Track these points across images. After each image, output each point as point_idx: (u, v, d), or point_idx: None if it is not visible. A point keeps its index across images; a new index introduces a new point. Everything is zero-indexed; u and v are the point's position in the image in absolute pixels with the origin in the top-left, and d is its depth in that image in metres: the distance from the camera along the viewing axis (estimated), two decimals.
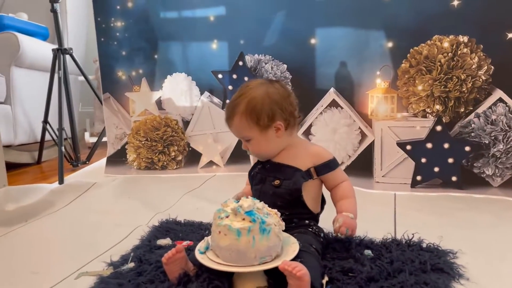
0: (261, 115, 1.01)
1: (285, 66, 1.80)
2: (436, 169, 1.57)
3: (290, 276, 0.80)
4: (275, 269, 0.87)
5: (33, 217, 1.47)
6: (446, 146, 1.54)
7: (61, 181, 1.86)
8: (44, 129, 2.32)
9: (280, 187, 1.03)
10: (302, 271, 0.79)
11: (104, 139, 2.22)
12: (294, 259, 0.86)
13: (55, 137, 2.21)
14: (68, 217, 1.49)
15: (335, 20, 1.69)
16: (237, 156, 1.96)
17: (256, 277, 0.89)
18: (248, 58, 1.84)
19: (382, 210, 1.42)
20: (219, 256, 0.89)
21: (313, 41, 1.74)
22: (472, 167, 1.55)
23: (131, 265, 1.04)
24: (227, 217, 0.88)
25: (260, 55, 1.82)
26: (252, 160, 1.16)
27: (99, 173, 2.07)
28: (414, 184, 1.61)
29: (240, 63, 1.85)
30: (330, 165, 1.06)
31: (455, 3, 1.51)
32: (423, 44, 1.55)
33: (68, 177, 2.00)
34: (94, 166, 2.27)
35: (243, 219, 0.87)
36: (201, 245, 0.94)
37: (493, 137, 1.50)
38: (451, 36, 1.52)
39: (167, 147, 2.04)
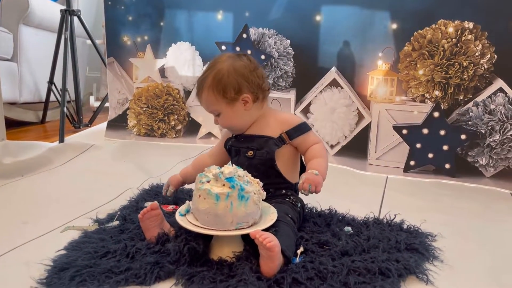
0: (227, 87, 1.01)
1: (289, 41, 1.78)
2: (430, 155, 1.57)
3: (260, 246, 0.81)
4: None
5: (29, 172, 1.51)
6: (442, 132, 1.54)
7: (61, 140, 1.89)
8: (49, 90, 2.35)
9: (254, 158, 1.04)
10: (272, 242, 0.80)
11: (108, 104, 2.24)
12: (269, 228, 0.88)
13: (59, 97, 2.23)
14: (63, 174, 1.53)
15: None
16: None
17: (233, 242, 0.92)
18: (252, 31, 1.83)
19: (371, 191, 1.43)
20: (198, 219, 0.91)
21: (318, 18, 1.72)
22: (467, 155, 1.54)
23: (115, 223, 1.07)
24: (208, 181, 0.90)
25: (264, 29, 1.81)
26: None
27: (99, 136, 2.10)
28: (407, 169, 1.61)
29: (244, 35, 1.83)
30: (301, 128, 1.05)
31: None
32: (427, 28, 1.53)
33: (68, 137, 2.03)
34: (95, 129, 2.30)
35: (223, 185, 0.88)
36: (182, 208, 0.96)
37: (490, 127, 1.49)
38: (457, 22, 1.49)
39: (168, 115, 2.05)
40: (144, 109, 2.06)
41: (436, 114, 1.54)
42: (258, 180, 0.94)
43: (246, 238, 0.92)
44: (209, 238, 0.92)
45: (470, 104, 1.51)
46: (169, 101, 2.04)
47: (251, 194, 0.89)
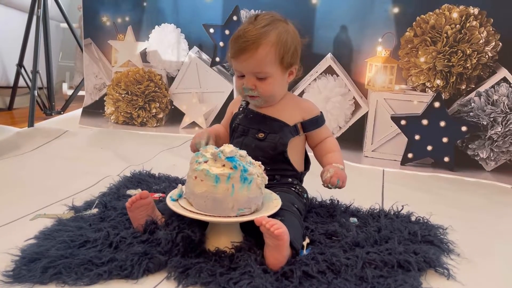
0: (288, 53, 0.90)
1: None
2: (429, 148, 1.50)
3: (267, 234, 0.72)
4: (253, 226, 0.79)
5: None
6: (442, 124, 1.47)
7: (30, 125, 1.73)
8: (18, 73, 2.17)
9: (264, 140, 0.94)
10: (281, 229, 0.71)
11: (81, 93, 2.08)
12: (274, 217, 0.78)
13: (28, 82, 2.06)
14: (33, 161, 1.39)
15: None
16: (222, 118, 1.85)
17: (232, 231, 0.81)
18: (243, 13, 1.72)
19: (369, 184, 1.36)
20: (192, 204, 0.80)
21: (314, 0, 1.63)
22: (467, 148, 1.49)
23: (94, 210, 0.96)
24: (205, 162, 0.79)
25: (257, 11, 1.70)
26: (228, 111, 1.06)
27: (73, 123, 1.95)
28: (405, 161, 1.54)
29: (235, 18, 1.73)
30: (318, 121, 0.98)
31: None
32: (430, 13, 1.47)
33: (39, 123, 1.87)
34: (68, 115, 2.14)
35: (223, 165, 0.78)
36: (173, 192, 0.85)
37: (492, 119, 1.43)
38: (461, 7, 1.43)
39: (148, 103, 1.92)
40: (123, 95, 1.92)
41: (436, 104, 1.47)
42: (260, 162, 0.84)
43: (245, 227, 0.82)
44: (204, 226, 0.81)
45: (472, 95, 1.46)
46: (151, 88, 1.90)
47: (254, 177, 0.79)
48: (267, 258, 0.73)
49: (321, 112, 1.00)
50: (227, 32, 1.76)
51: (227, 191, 0.76)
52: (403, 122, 1.52)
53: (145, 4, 1.89)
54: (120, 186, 1.12)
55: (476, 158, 1.48)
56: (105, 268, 0.70)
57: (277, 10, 1.63)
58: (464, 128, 1.46)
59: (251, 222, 0.77)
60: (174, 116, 1.93)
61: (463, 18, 1.43)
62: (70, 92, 2.59)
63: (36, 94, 1.90)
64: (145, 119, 1.93)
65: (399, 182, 1.40)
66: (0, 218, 0.91)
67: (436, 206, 1.16)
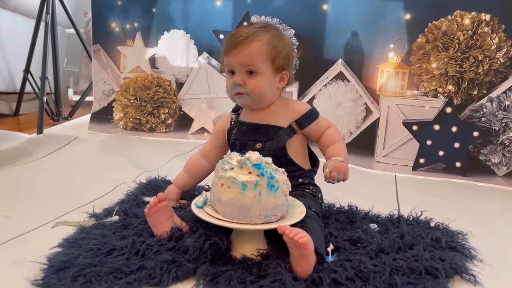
0: (280, 55, 0.93)
1: (293, 31, 1.69)
2: (441, 153, 1.51)
3: (291, 243, 0.71)
4: (278, 234, 0.79)
5: (5, 164, 1.34)
6: (454, 129, 1.48)
7: (39, 132, 1.73)
8: (24, 79, 2.16)
9: (263, 150, 0.93)
10: (305, 238, 0.70)
11: (88, 98, 2.08)
12: (294, 225, 0.77)
13: (36, 88, 2.06)
14: (46, 167, 1.38)
15: None
16: None
17: (257, 238, 0.81)
18: (253, 19, 1.72)
19: (383, 189, 1.36)
20: (218, 211, 0.80)
21: (325, 7, 1.64)
22: (479, 153, 1.49)
23: (115, 218, 0.96)
24: (231, 169, 0.79)
25: (267, 17, 1.71)
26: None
27: (81, 129, 1.94)
28: (416, 167, 1.54)
29: (245, 24, 1.73)
30: (311, 115, 0.98)
31: None
32: (442, 19, 1.47)
33: (47, 130, 1.86)
34: (76, 122, 2.13)
35: (250, 172, 0.78)
36: (198, 199, 0.85)
37: (504, 124, 1.44)
38: (473, 13, 1.44)
39: (157, 109, 1.92)
40: (131, 101, 1.92)
41: (448, 110, 1.48)
42: (283, 169, 0.84)
43: (268, 234, 0.82)
44: (229, 232, 0.81)
45: (484, 100, 1.46)
46: (160, 94, 1.90)
47: (280, 184, 0.79)
48: (294, 267, 0.73)
49: (313, 107, 1.00)
50: None
51: (254, 198, 0.76)
52: (414, 127, 1.52)
53: (154, 10, 1.89)
54: (137, 193, 1.12)
55: (488, 163, 1.48)
56: (135, 276, 0.70)
57: (288, 15, 1.68)
58: (476, 134, 1.46)
59: (276, 230, 0.77)
60: (183, 122, 1.93)
61: (475, 24, 1.44)
62: (75, 98, 2.59)
63: (44, 101, 1.89)
64: (154, 125, 1.92)
65: (412, 187, 1.40)
66: (21, 226, 0.90)
67: (450, 211, 1.15)
